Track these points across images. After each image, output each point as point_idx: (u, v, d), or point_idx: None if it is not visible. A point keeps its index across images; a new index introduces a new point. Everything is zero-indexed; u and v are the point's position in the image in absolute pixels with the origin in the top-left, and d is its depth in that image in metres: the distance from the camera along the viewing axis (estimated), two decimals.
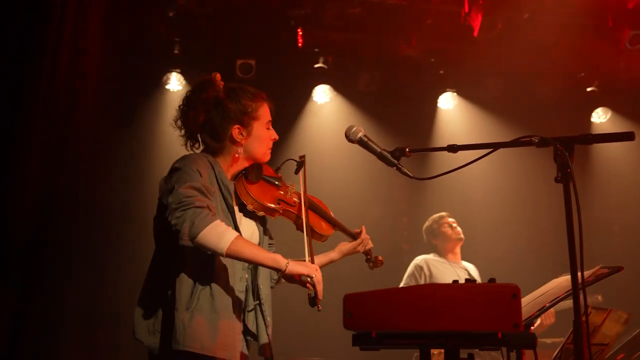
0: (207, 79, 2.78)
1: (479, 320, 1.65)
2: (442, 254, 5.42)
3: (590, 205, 6.77)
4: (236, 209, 2.72)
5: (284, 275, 2.49)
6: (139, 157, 6.14)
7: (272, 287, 2.84)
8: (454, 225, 5.46)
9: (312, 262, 2.62)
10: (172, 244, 2.43)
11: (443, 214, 5.58)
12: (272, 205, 2.76)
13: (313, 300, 2.46)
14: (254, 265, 2.71)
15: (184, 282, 2.48)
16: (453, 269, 5.25)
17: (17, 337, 3.22)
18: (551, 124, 6.65)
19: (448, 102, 7.08)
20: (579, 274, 1.91)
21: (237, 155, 2.73)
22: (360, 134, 2.54)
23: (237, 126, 2.70)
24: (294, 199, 2.88)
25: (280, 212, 2.80)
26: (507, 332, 1.72)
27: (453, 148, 2.31)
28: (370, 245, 3.11)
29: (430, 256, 5.42)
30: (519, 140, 2.16)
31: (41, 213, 3.69)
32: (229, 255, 2.39)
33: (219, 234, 2.37)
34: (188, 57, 6.53)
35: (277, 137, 2.83)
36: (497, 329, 1.65)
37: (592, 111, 7.33)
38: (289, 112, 6.75)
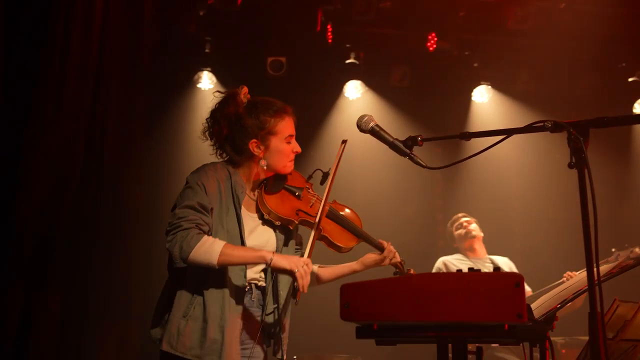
0: (231, 93, 2.87)
1: (481, 311, 1.58)
2: (463, 253, 5.43)
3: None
4: (256, 216, 2.85)
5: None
6: (170, 156, 6.19)
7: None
8: (465, 224, 5.45)
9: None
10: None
11: (456, 216, 5.64)
12: (288, 216, 2.82)
13: (294, 293, 2.60)
14: (271, 271, 2.79)
15: (184, 292, 2.65)
16: (475, 265, 5.16)
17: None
18: (590, 116, 6.43)
19: (482, 96, 6.94)
20: (595, 270, 1.82)
21: (258, 168, 2.83)
22: (372, 124, 2.49)
23: (254, 140, 2.80)
24: (317, 209, 2.89)
25: (297, 222, 2.85)
26: (515, 324, 1.66)
27: (465, 135, 2.23)
28: (397, 259, 3.05)
29: (451, 256, 5.42)
30: (532, 126, 2.07)
31: (71, 212, 3.71)
32: (220, 265, 2.56)
33: (206, 251, 2.54)
34: (219, 55, 6.56)
35: (299, 149, 2.91)
36: (500, 319, 1.57)
37: (634, 102, 7.08)
38: (320, 108, 6.72)
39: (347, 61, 6.72)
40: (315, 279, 2.97)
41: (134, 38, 4.98)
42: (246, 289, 2.74)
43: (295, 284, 2.57)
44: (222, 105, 2.86)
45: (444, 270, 5.27)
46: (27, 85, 2.83)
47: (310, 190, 2.99)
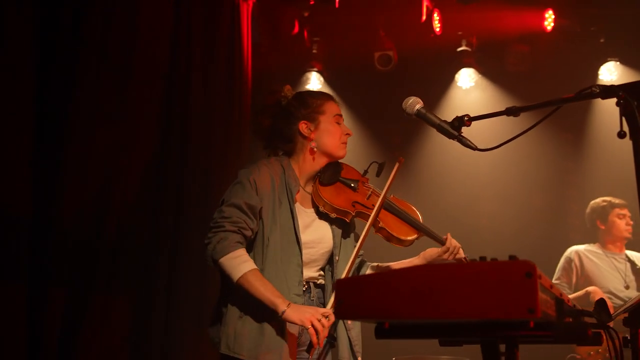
0: (272, 89, 2.88)
1: (486, 306, 1.36)
2: (602, 242, 4.90)
3: None
4: (312, 211, 2.80)
5: None
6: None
7: None
8: (629, 218, 4.90)
9: (349, 272, 2.63)
10: None
11: (619, 201, 5.02)
12: (344, 207, 2.76)
13: (308, 348, 2.49)
14: (332, 269, 2.78)
15: (239, 291, 2.57)
16: (609, 260, 4.70)
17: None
18: None
19: (611, 73, 6.34)
20: None
21: (312, 150, 2.78)
22: (417, 106, 2.33)
23: (303, 122, 2.77)
24: (373, 202, 2.80)
25: (353, 214, 2.78)
26: (538, 320, 1.44)
27: (512, 111, 2.01)
28: (461, 254, 2.86)
29: (584, 247, 4.92)
30: (580, 94, 1.82)
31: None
32: (238, 285, 2.50)
33: (233, 265, 2.50)
34: (326, 55, 6.54)
35: (350, 132, 2.85)
36: (508, 315, 1.36)
37: None
38: (432, 100, 6.49)
39: (459, 49, 6.43)
40: None
41: (236, 42, 5.03)
42: (304, 288, 2.66)
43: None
44: (262, 98, 2.90)
45: (577, 261, 4.84)
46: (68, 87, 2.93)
47: (366, 184, 2.90)
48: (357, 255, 2.67)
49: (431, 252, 2.89)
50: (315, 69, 6.50)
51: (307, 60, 6.53)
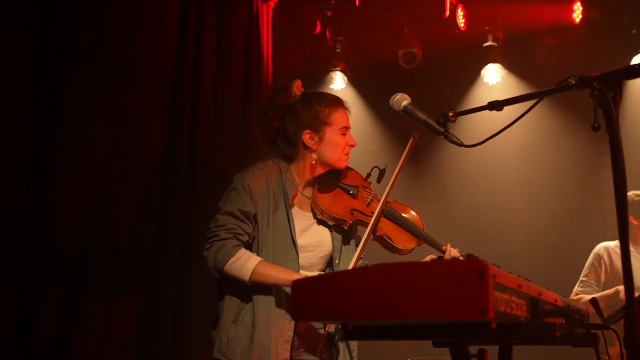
0: (282, 86, 2.83)
1: (438, 306, 1.32)
2: (634, 239, 4.70)
3: None
4: (310, 215, 2.77)
5: None
6: None
7: None
8: None
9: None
10: None
11: None
12: (342, 215, 2.72)
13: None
14: (329, 265, 2.77)
15: (234, 299, 2.61)
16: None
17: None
18: None
19: None
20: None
21: (312, 162, 2.74)
22: (404, 103, 2.29)
23: (308, 131, 2.71)
24: (373, 209, 2.75)
25: (351, 222, 2.73)
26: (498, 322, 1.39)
27: (493, 105, 1.95)
28: None
29: (615, 243, 4.72)
30: (559, 86, 1.75)
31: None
32: (252, 282, 2.49)
33: (240, 266, 2.49)
34: (350, 54, 6.50)
35: (355, 143, 2.79)
36: (459, 316, 1.31)
37: None
38: (458, 96, 6.38)
39: (485, 44, 6.31)
40: None
41: (253, 43, 5.02)
42: None
43: None
44: (272, 97, 2.81)
45: (606, 257, 4.67)
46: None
47: (367, 189, 2.84)
48: (357, 261, 2.62)
49: (429, 259, 2.82)
50: (339, 69, 6.46)
51: (331, 60, 6.49)
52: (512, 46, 6.31)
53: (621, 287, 4.47)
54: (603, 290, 4.61)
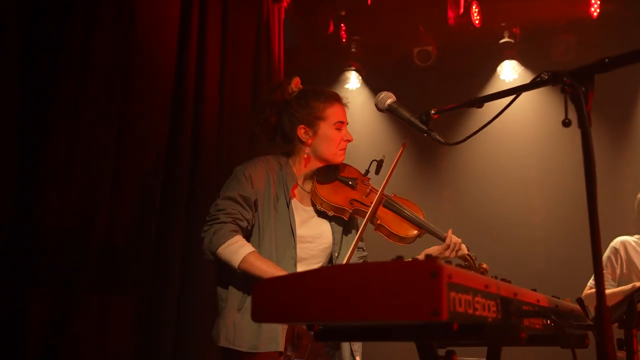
0: (280, 82, 2.87)
1: (392, 307, 1.30)
2: None
3: None
4: (310, 209, 2.80)
5: None
6: None
7: None
8: None
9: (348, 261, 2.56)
10: None
11: None
12: (342, 205, 2.74)
13: None
14: (329, 259, 2.80)
15: (237, 286, 2.61)
16: None
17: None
18: None
19: None
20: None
21: (306, 155, 2.77)
22: (389, 101, 2.28)
23: (302, 126, 2.75)
24: (372, 199, 2.76)
25: (351, 211, 2.75)
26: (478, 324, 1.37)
27: (474, 102, 1.92)
28: (463, 250, 2.77)
29: (634, 237, 4.59)
30: (533, 81, 1.72)
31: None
32: (241, 270, 2.48)
33: (233, 251, 2.48)
34: (365, 53, 6.47)
35: (351, 138, 2.81)
36: (412, 317, 1.29)
37: None
38: (474, 93, 6.26)
39: (501, 41, 6.23)
40: None
41: (263, 45, 5.02)
42: None
43: None
44: (269, 94, 2.84)
45: (622, 252, 4.55)
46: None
47: (366, 183, 2.86)
48: (354, 250, 2.64)
49: (433, 250, 2.84)
50: (353, 68, 6.44)
51: (345, 59, 6.47)
52: (529, 42, 6.22)
53: (639, 284, 4.37)
54: (618, 284, 4.50)
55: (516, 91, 1.79)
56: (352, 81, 6.47)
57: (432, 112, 2.06)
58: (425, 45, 6.30)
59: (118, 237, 3.04)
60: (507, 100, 1.89)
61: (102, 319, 2.92)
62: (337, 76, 6.49)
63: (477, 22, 6.05)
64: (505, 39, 6.21)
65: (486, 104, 1.93)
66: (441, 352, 1.59)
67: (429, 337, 1.46)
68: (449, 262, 1.37)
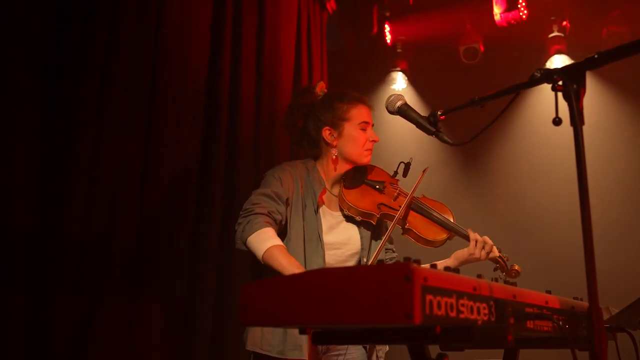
0: (304, 87, 2.99)
1: (368, 310, 1.30)
2: None
3: None
4: (338, 214, 2.82)
5: None
6: None
7: None
8: None
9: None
10: None
11: None
12: (369, 210, 2.74)
13: None
14: (358, 264, 2.78)
15: (266, 272, 2.56)
16: None
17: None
18: None
19: None
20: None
21: (333, 157, 2.79)
22: (399, 103, 2.28)
23: (327, 128, 2.78)
24: (400, 203, 2.77)
25: (378, 216, 2.76)
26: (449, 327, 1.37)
27: (474, 102, 1.91)
28: (494, 253, 2.73)
29: None
30: (530, 79, 1.70)
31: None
32: (265, 262, 2.45)
33: (261, 239, 2.45)
34: (410, 53, 6.43)
35: (377, 138, 2.81)
36: (386, 321, 1.29)
37: None
38: (523, 90, 6.14)
39: (550, 35, 6.07)
40: None
41: (304, 52, 5.04)
42: None
43: None
44: (296, 97, 2.91)
45: None
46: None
47: (394, 185, 2.86)
48: (379, 252, 2.64)
49: (461, 252, 2.80)
50: (399, 69, 6.41)
51: (391, 60, 6.46)
52: (580, 36, 6.02)
53: None
54: None
55: (514, 90, 1.76)
56: (399, 82, 6.44)
57: (439, 113, 2.05)
58: (471, 42, 6.21)
59: (147, 243, 3.09)
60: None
61: (131, 325, 2.96)
62: (383, 77, 6.48)
63: (524, 16, 5.93)
64: (555, 33, 6.05)
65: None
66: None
67: (416, 339, 1.46)
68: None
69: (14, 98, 2.51)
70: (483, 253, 2.72)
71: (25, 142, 2.54)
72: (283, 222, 2.65)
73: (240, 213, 2.59)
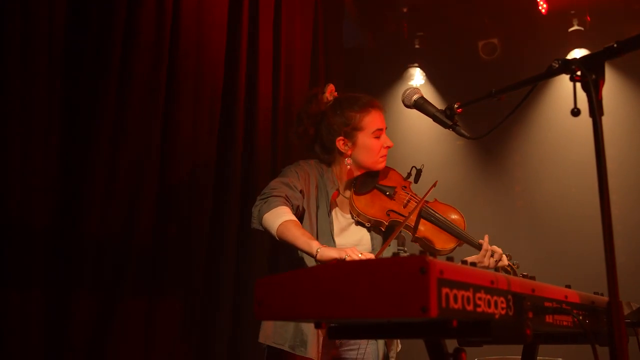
0: (314, 92, 2.87)
1: (383, 304, 1.29)
2: None
3: None
4: (349, 216, 2.80)
5: None
6: None
7: None
8: None
9: None
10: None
11: None
12: (378, 217, 2.72)
13: None
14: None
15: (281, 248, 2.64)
16: None
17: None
18: None
19: None
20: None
21: (348, 166, 2.77)
22: (415, 97, 2.25)
23: (341, 138, 2.75)
24: (410, 208, 2.74)
25: (387, 223, 2.74)
26: (463, 321, 1.35)
27: (492, 94, 1.88)
28: (503, 261, 2.71)
29: None
30: (548, 70, 1.67)
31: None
32: (279, 237, 2.41)
33: (277, 214, 2.42)
34: (428, 49, 6.39)
35: (391, 144, 2.79)
36: (401, 314, 1.28)
37: None
38: (540, 86, 6.08)
39: (570, 29, 6.00)
40: None
41: (320, 42, 5.03)
42: None
43: None
44: (306, 105, 2.85)
45: None
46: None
47: (406, 189, 2.82)
48: (385, 247, 2.61)
49: (470, 259, 2.76)
50: (417, 64, 6.37)
51: (409, 56, 6.42)
52: (600, 30, 5.93)
53: None
54: None
55: (532, 82, 1.73)
56: (417, 77, 6.39)
57: (456, 106, 2.03)
58: (489, 37, 6.15)
59: (165, 240, 3.10)
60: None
61: (149, 323, 2.97)
62: (401, 73, 6.42)
63: (543, 10, 5.87)
64: (575, 27, 5.97)
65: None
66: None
67: (432, 334, 1.44)
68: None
69: (33, 98, 2.53)
70: (492, 261, 2.71)
71: (45, 142, 2.56)
72: (300, 210, 2.63)
73: (258, 197, 2.58)
